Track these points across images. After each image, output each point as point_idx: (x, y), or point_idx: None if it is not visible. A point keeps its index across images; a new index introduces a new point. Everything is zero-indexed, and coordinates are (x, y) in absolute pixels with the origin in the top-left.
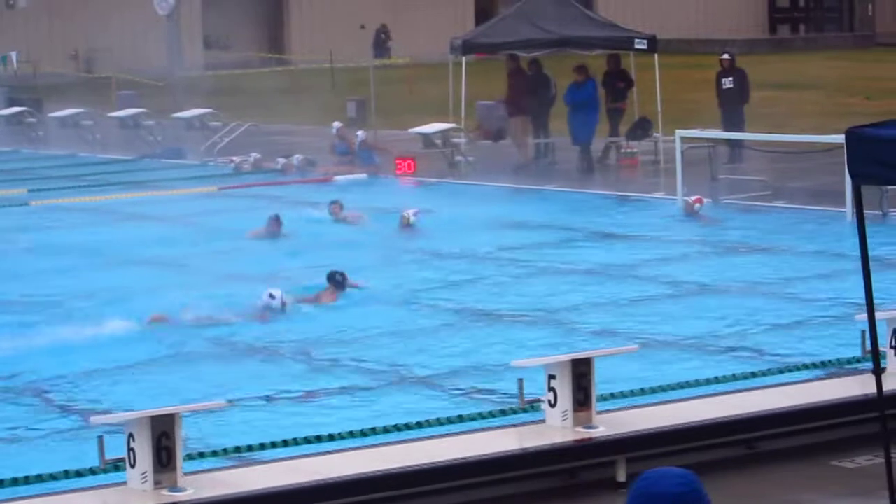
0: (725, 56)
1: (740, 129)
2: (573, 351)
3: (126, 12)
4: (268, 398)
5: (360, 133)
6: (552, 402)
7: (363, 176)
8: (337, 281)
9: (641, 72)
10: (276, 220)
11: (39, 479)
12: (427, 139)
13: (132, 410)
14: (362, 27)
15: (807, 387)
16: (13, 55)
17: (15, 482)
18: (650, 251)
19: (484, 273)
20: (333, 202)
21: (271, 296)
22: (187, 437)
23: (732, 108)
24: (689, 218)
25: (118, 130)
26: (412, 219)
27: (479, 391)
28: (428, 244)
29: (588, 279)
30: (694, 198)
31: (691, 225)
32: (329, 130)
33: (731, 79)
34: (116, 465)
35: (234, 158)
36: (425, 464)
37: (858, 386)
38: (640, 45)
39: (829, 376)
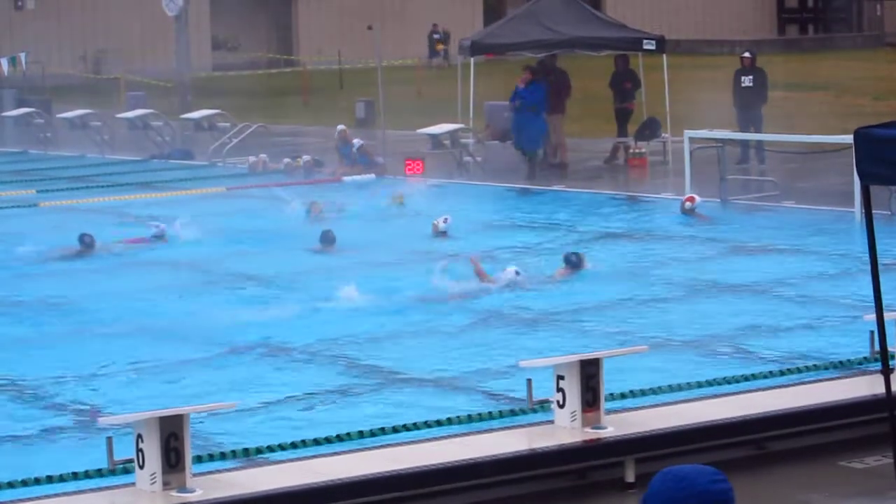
0: (747, 54)
1: (759, 130)
2: (582, 351)
3: (134, 13)
4: (276, 399)
5: (356, 141)
6: (561, 402)
7: (371, 176)
8: (572, 262)
9: (650, 72)
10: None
11: (49, 479)
12: (435, 140)
13: (141, 411)
14: (369, 28)
15: (815, 387)
16: (22, 56)
17: (24, 483)
18: (658, 251)
19: (490, 273)
20: (313, 202)
21: (516, 272)
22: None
23: (750, 108)
24: (685, 217)
25: (127, 131)
26: (441, 226)
27: (488, 391)
28: (443, 247)
29: (594, 280)
30: (686, 196)
31: (694, 225)
32: (332, 133)
33: (750, 77)
34: (125, 466)
35: (251, 158)
36: (434, 464)
37: (867, 386)
38: (649, 45)
39: (838, 377)
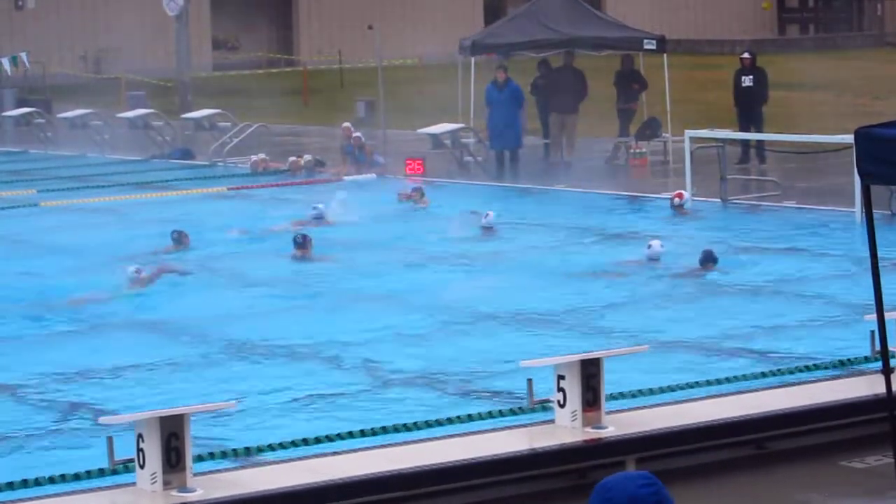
0: (746, 55)
1: (759, 130)
2: (582, 351)
3: (135, 13)
4: (277, 398)
5: (354, 135)
6: (561, 402)
7: (372, 176)
8: (704, 261)
9: (650, 72)
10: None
11: (49, 479)
12: (436, 140)
13: (141, 411)
14: (370, 27)
15: (816, 387)
16: (23, 56)
17: (24, 483)
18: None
19: (489, 273)
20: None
21: (661, 245)
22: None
23: (751, 108)
24: (678, 215)
25: (127, 131)
26: (485, 221)
27: (489, 391)
28: (485, 246)
29: (596, 279)
30: (674, 193)
31: (687, 223)
32: (338, 131)
33: (750, 77)
34: (126, 466)
35: (252, 157)
36: (434, 464)
37: (867, 386)
38: (650, 45)
39: (838, 376)
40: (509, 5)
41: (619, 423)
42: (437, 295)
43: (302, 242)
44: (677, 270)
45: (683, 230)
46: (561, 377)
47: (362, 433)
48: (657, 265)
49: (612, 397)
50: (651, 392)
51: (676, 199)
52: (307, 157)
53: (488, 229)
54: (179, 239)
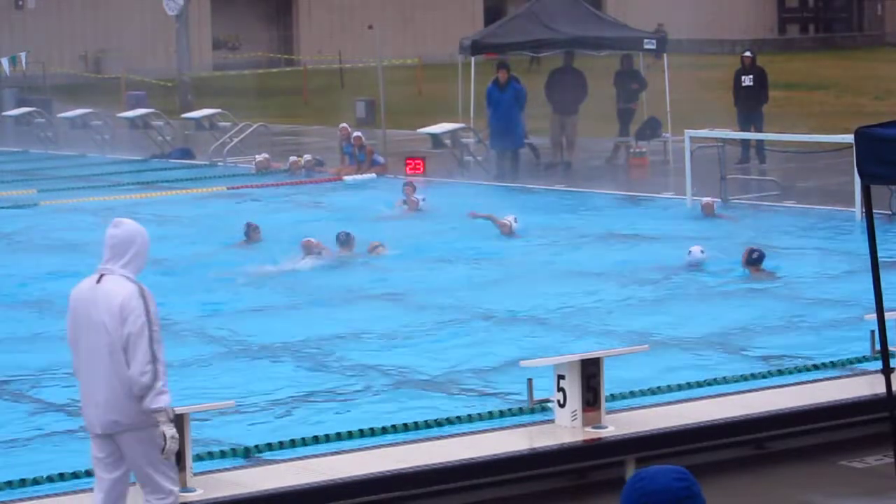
0: (747, 54)
1: (759, 130)
2: (582, 351)
3: (135, 13)
4: (277, 398)
5: (354, 133)
6: (561, 402)
7: (372, 176)
8: (753, 259)
9: (650, 72)
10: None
11: (49, 479)
12: (436, 139)
13: None
14: (370, 27)
15: (816, 387)
16: (23, 56)
17: (23, 483)
18: (658, 251)
19: (491, 274)
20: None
21: (701, 251)
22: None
23: (751, 108)
24: (706, 218)
25: (127, 131)
26: (514, 225)
27: (489, 391)
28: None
29: (597, 279)
30: (711, 200)
31: (698, 225)
32: (333, 132)
33: (751, 77)
34: None
35: (257, 157)
36: (435, 464)
37: (868, 386)
38: (650, 45)
39: (839, 376)
40: (509, 5)
41: (618, 423)
42: (440, 295)
43: (345, 240)
44: (676, 271)
45: (683, 231)
46: (561, 377)
47: (362, 433)
48: (696, 269)
49: (612, 397)
50: (651, 392)
51: (717, 204)
52: (307, 157)
53: (511, 234)
54: (249, 233)
